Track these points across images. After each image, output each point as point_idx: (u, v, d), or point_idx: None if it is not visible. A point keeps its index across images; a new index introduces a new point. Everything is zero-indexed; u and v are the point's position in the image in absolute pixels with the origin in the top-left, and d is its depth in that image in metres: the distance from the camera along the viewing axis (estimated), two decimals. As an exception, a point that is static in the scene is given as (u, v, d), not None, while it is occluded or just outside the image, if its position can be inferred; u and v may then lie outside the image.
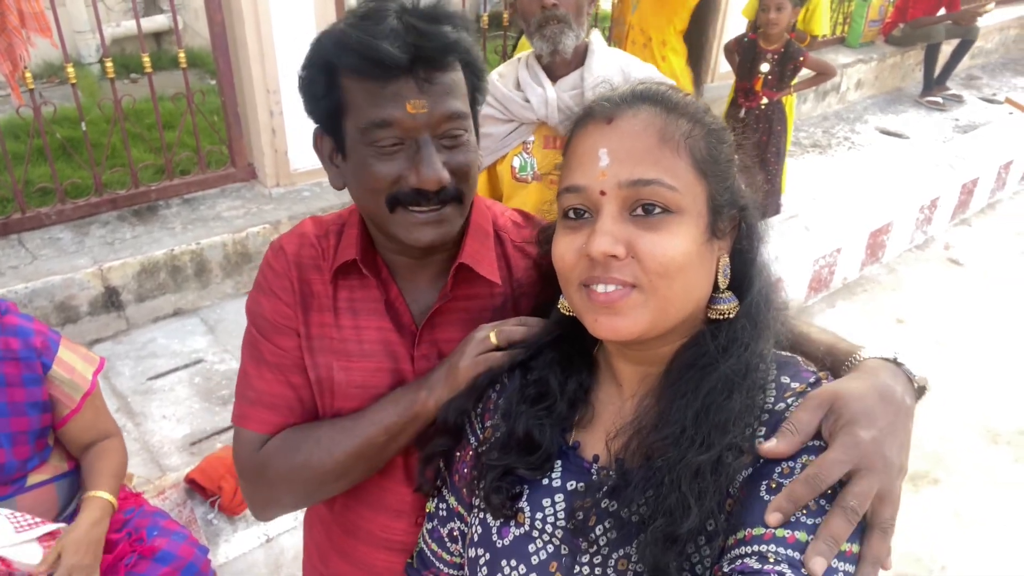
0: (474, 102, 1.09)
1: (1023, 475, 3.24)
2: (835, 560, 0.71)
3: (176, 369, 3.13)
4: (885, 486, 0.74)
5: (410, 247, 1.07)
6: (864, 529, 0.74)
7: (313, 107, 1.05)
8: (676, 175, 0.82)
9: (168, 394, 2.99)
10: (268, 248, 1.18)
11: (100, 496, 1.74)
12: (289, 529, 2.59)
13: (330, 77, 1.01)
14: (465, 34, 1.02)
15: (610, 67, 1.99)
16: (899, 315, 4.35)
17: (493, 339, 1.04)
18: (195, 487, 2.53)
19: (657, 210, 0.81)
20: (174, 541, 1.81)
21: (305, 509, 1.34)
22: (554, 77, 2.02)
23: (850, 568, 0.71)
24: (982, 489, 3.15)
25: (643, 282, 0.81)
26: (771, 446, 0.77)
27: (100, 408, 1.86)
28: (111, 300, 3.29)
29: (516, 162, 2.08)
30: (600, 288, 0.82)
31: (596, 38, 2.06)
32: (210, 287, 3.56)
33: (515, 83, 2.05)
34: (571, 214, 0.86)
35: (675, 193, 0.81)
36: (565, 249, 0.86)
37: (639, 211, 0.82)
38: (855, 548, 0.73)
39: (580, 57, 2.02)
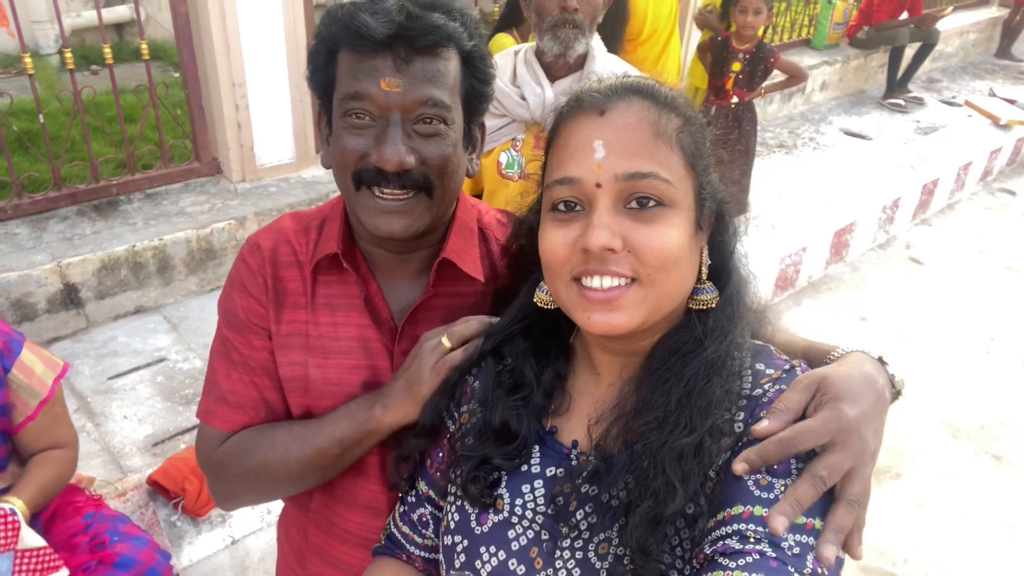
0: (472, 99, 1.07)
1: (983, 469, 3.32)
2: (799, 534, 0.71)
3: (138, 368, 3.06)
4: (857, 465, 0.76)
5: (377, 236, 1.06)
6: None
7: (312, 77, 1.06)
8: (670, 168, 0.82)
9: (129, 394, 2.91)
10: (244, 243, 1.17)
11: (11, 502, 1.62)
12: (255, 531, 2.54)
13: (330, 49, 1.02)
14: (458, 26, 1.01)
15: (608, 72, 1.96)
16: (862, 313, 4.42)
17: (446, 343, 1.04)
18: (158, 489, 2.47)
19: (652, 203, 0.81)
20: (135, 546, 1.76)
21: (279, 513, 1.33)
22: (552, 77, 1.99)
23: (811, 540, 0.72)
24: (944, 483, 3.21)
25: (642, 275, 0.81)
26: (764, 426, 0.78)
27: (58, 416, 1.79)
28: (70, 297, 3.20)
29: (503, 158, 2.05)
30: (596, 283, 0.82)
31: (597, 43, 2.03)
32: (173, 284, 3.49)
33: (511, 77, 2.01)
34: (561, 207, 0.85)
35: (669, 186, 0.82)
36: (556, 242, 0.85)
37: (633, 204, 0.82)
38: (819, 524, 0.73)
39: (580, 60, 1.99)
